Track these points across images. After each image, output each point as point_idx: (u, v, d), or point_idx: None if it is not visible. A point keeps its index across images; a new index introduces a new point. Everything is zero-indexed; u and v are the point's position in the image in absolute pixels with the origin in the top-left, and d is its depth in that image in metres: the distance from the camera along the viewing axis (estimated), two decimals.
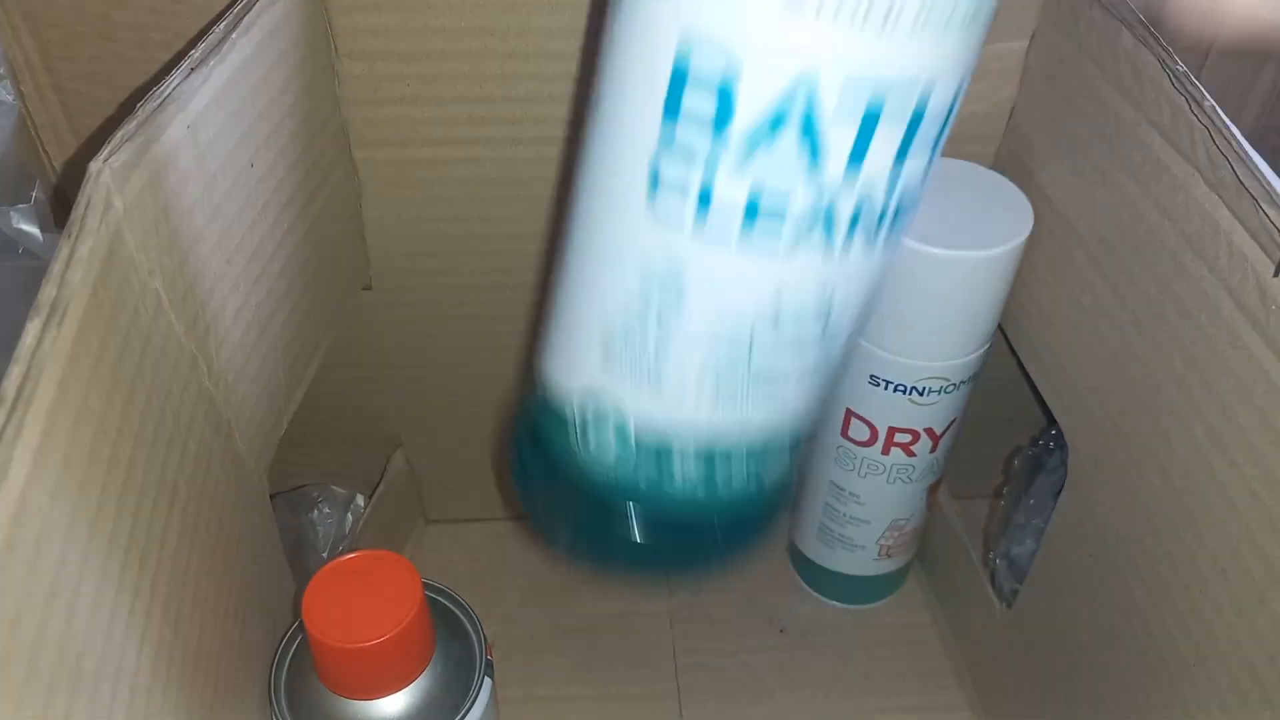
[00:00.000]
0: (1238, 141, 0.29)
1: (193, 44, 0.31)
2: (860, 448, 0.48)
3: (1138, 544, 0.36)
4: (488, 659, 0.39)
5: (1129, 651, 0.37)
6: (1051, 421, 0.48)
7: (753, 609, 0.57)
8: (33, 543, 0.20)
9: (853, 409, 0.47)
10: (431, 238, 0.47)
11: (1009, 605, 0.48)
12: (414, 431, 0.58)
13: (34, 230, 0.37)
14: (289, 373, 0.40)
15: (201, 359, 0.31)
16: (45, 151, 0.45)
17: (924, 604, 0.58)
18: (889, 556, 0.54)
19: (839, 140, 0.25)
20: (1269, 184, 0.28)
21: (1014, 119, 0.44)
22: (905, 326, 0.43)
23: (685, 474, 0.31)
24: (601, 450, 0.31)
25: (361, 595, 0.35)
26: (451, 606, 0.40)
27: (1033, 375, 0.44)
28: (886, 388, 0.45)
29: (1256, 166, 0.28)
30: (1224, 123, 0.30)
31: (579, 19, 0.40)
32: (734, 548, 0.34)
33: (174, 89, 0.29)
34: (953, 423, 0.47)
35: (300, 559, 0.53)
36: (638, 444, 0.31)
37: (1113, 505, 0.37)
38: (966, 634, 0.54)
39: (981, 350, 0.44)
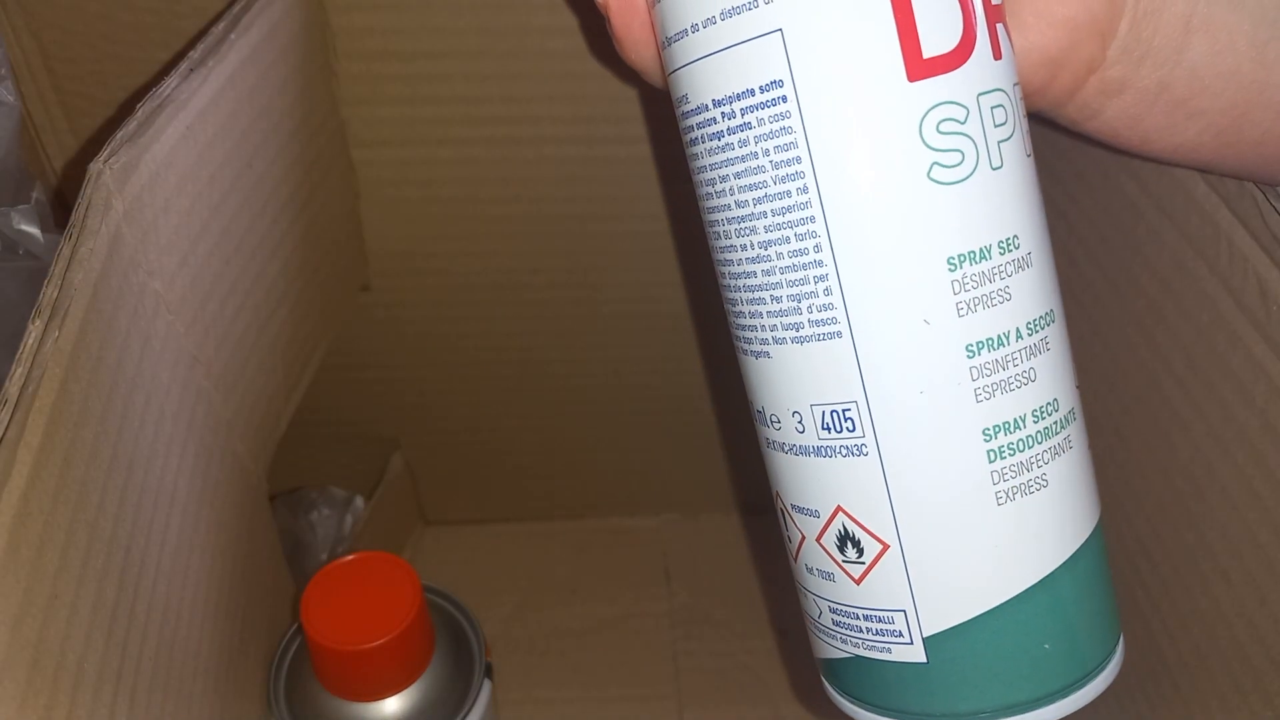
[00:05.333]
0: None
1: (192, 44, 0.31)
2: None
3: (1138, 544, 0.36)
4: (487, 661, 0.39)
5: (1129, 651, 0.37)
6: None
7: (753, 610, 0.57)
8: (35, 544, 0.20)
9: None
10: (430, 238, 0.47)
11: None
12: (413, 433, 0.58)
13: (34, 231, 0.37)
14: (288, 373, 0.40)
15: (200, 359, 0.31)
16: (45, 153, 0.44)
17: None
18: None
19: None
20: None
21: None
22: None
23: None
24: None
25: (360, 597, 0.35)
26: (450, 608, 0.40)
27: None
28: None
29: None
30: None
31: (577, 18, 0.40)
32: None
33: (173, 90, 0.29)
34: None
35: (299, 560, 0.53)
36: None
37: (1114, 506, 0.37)
38: None
39: None
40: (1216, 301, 0.31)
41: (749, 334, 0.27)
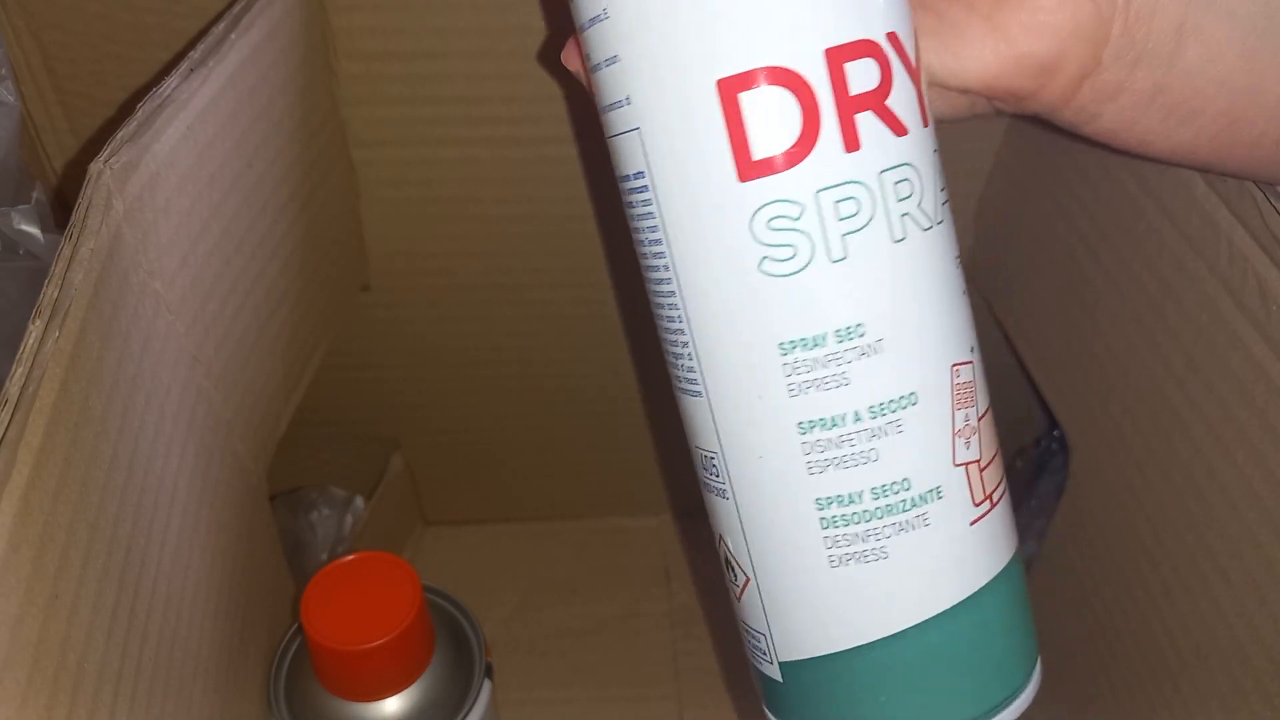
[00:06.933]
0: None
1: (192, 45, 0.31)
2: None
3: (1139, 545, 0.36)
4: (487, 661, 0.39)
5: (1129, 652, 0.37)
6: (1053, 423, 0.48)
7: None
8: (36, 543, 0.20)
9: None
10: (429, 238, 0.47)
11: None
12: (412, 433, 0.58)
13: (35, 231, 0.36)
14: (287, 373, 0.40)
15: (200, 359, 0.31)
16: (45, 153, 0.44)
17: None
18: None
19: None
20: None
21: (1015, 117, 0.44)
22: None
23: None
24: None
25: (360, 597, 0.35)
26: (450, 609, 0.40)
27: (1034, 376, 0.44)
28: None
29: None
30: None
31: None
32: None
33: (173, 90, 0.29)
34: None
35: (299, 561, 0.53)
36: None
37: (1114, 506, 0.37)
38: None
39: None
40: (1216, 301, 0.31)
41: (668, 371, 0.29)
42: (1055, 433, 0.50)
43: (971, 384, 0.27)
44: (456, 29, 0.40)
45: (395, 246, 0.47)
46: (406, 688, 0.37)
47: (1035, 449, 0.51)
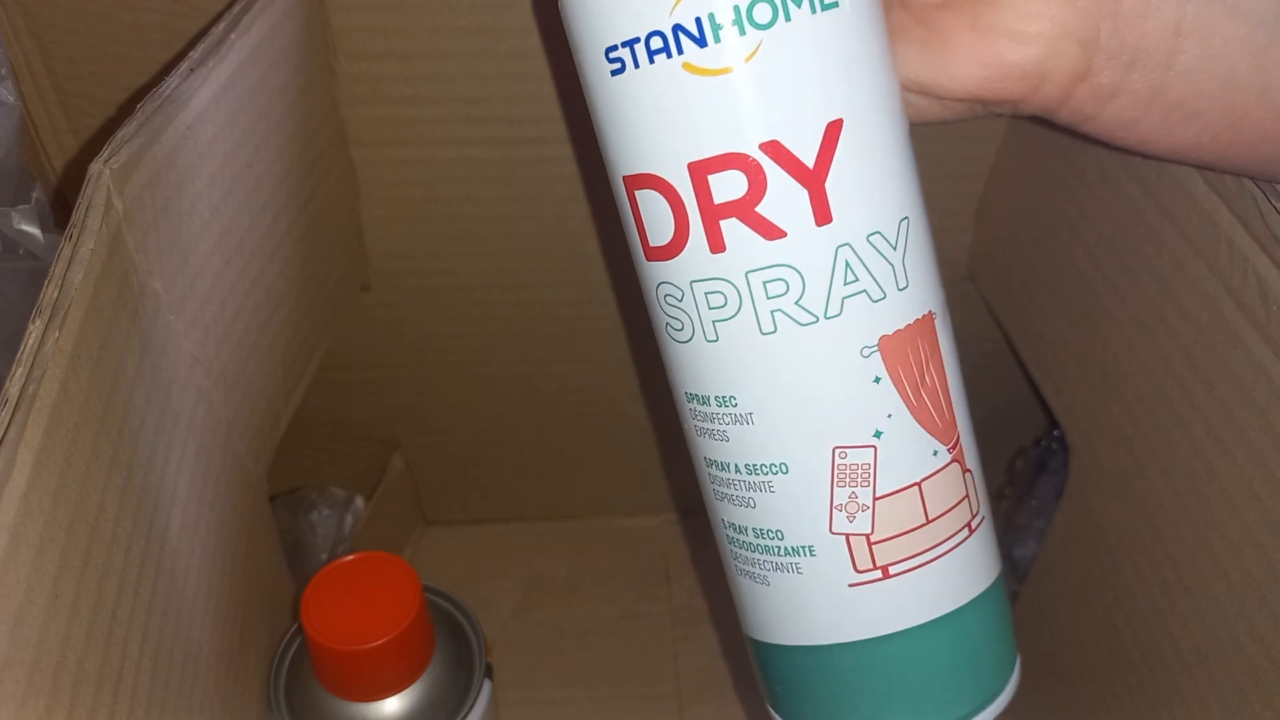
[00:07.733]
0: None
1: (192, 45, 0.31)
2: None
3: (1139, 544, 0.36)
4: (487, 661, 0.39)
5: (1129, 652, 0.37)
6: (1054, 423, 0.48)
7: None
8: (36, 544, 0.20)
9: None
10: (429, 238, 0.47)
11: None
12: (413, 433, 0.58)
13: (35, 231, 0.36)
14: (287, 373, 0.40)
15: (200, 359, 0.31)
16: (45, 153, 0.44)
17: None
18: None
19: None
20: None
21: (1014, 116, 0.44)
22: None
23: None
24: None
25: (360, 597, 0.35)
26: (450, 609, 0.40)
27: (1034, 376, 0.44)
28: None
29: None
30: None
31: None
32: None
33: (173, 90, 0.29)
34: None
35: (299, 561, 0.53)
36: None
37: (1114, 506, 0.37)
38: None
39: None
40: (1216, 301, 0.31)
41: None
42: (1055, 433, 0.50)
43: (865, 466, 0.28)
44: (456, 29, 0.40)
45: (395, 246, 0.47)
46: (406, 688, 0.37)
47: (1035, 449, 0.51)
